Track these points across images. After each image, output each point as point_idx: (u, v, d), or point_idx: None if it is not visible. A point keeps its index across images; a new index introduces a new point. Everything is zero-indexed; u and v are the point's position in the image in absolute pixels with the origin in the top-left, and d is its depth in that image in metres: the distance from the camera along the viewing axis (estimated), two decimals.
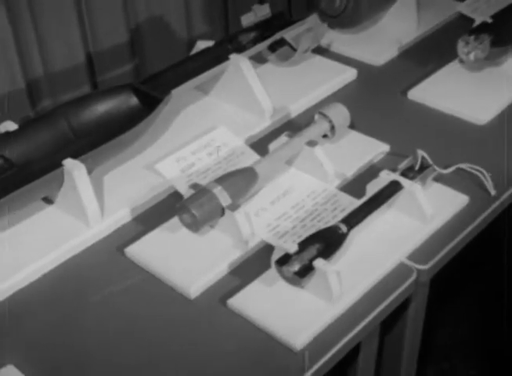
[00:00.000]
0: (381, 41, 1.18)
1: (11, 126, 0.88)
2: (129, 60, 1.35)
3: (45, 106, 1.26)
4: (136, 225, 0.86)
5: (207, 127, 0.96)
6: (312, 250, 0.74)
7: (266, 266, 0.78)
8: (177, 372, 0.71)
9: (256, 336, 0.73)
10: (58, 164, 0.82)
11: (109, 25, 1.29)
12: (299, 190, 0.88)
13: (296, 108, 1.04)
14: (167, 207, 0.87)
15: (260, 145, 0.96)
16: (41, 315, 0.76)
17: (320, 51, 1.16)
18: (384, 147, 0.95)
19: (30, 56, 1.22)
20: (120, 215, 0.86)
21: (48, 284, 0.80)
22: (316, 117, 0.92)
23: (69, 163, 0.82)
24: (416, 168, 0.84)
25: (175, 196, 0.88)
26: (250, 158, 0.91)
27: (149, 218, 0.87)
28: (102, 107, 0.94)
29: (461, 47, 1.02)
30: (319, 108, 0.94)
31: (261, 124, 1.00)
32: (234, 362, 0.72)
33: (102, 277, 0.81)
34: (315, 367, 0.71)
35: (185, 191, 0.85)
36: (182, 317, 0.76)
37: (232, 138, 0.94)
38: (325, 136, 0.93)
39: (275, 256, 0.75)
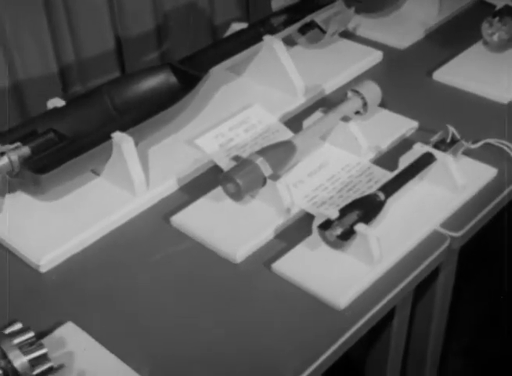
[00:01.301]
0: (405, 25, 1.22)
1: (59, 102, 0.92)
2: (157, 47, 1.39)
3: (76, 91, 1.29)
4: (180, 196, 0.90)
5: (241, 105, 1.00)
6: (353, 215, 0.78)
7: (307, 233, 0.82)
8: (224, 335, 0.74)
9: (300, 298, 0.77)
10: (105, 138, 0.86)
11: (137, 11, 1.33)
12: (334, 164, 0.92)
13: (325, 88, 1.08)
14: (208, 180, 0.91)
15: (293, 123, 1.00)
16: (93, 279, 0.80)
17: (346, 35, 1.20)
18: (414, 124, 0.99)
19: (63, 42, 1.26)
20: (164, 186, 0.90)
21: (98, 251, 0.84)
22: (349, 94, 0.96)
23: (117, 136, 0.86)
24: (448, 140, 0.88)
25: (215, 169, 0.92)
26: (285, 135, 0.95)
27: (192, 190, 0.91)
28: (143, 86, 0.98)
29: (485, 28, 1.06)
30: (347, 88, 0.99)
31: (293, 103, 1.04)
32: (279, 323, 0.76)
33: (148, 245, 0.85)
34: (357, 326, 0.75)
35: (225, 164, 0.89)
36: (228, 281, 0.80)
37: (266, 115, 0.98)
38: (357, 113, 0.97)
39: (317, 222, 0.79)
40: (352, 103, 0.95)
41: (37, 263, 0.80)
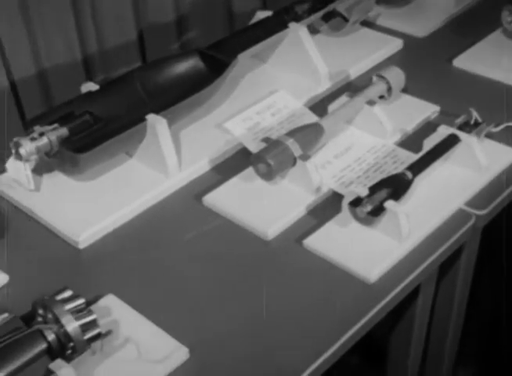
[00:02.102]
0: (424, 14, 1.25)
1: (93, 87, 0.95)
2: (177, 37, 1.41)
3: (98, 81, 1.32)
4: (211, 177, 0.93)
5: (267, 91, 1.03)
6: (382, 193, 0.81)
7: (336, 211, 0.84)
8: (256, 309, 0.77)
9: (330, 273, 0.80)
10: (139, 120, 0.89)
11: (159, 2, 1.36)
12: (359, 146, 0.95)
13: (348, 75, 1.10)
14: (238, 162, 0.94)
15: (317, 108, 1.02)
16: (129, 255, 0.83)
17: (367, 24, 1.22)
18: (436, 108, 1.02)
19: (86, 32, 1.29)
20: (195, 167, 0.93)
21: (133, 229, 0.86)
22: (374, 78, 0.98)
23: (151, 117, 0.89)
24: (472, 122, 0.90)
25: (243, 152, 0.95)
26: (310, 119, 0.98)
27: (222, 171, 0.93)
28: (172, 71, 1.01)
29: (505, 16, 1.08)
30: (368, 76, 1.01)
31: (318, 89, 1.06)
32: (310, 297, 0.78)
33: (181, 223, 0.87)
34: (387, 299, 0.77)
35: (253, 147, 0.92)
36: (260, 258, 0.83)
37: (292, 100, 1.01)
38: (381, 97, 0.99)
39: (347, 199, 0.82)
40: (377, 88, 0.97)
41: (75, 240, 0.83)
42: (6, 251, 0.83)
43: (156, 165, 0.91)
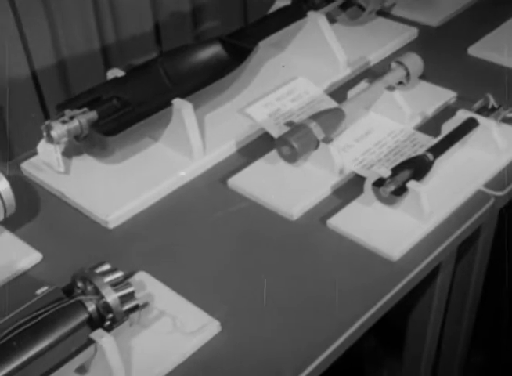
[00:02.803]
0: (438, 4, 1.27)
1: (118, 73, 0.97)
2: (193, 29, 1.44)
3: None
4: (235, 160, 0.95)
5: (287, 78, 1.05)
6: (405, 174, 0.83)
7: (358, 193, 0.87)
8: (281, 289, 0.79)
9: (354, 251, 0.82)
10: (165, 105, 0.91)
11: None
12: (379, 131, 0.97)
13: (365, 63, 1.12)
14: (259, 146, 0.96)
15: (336, 94, 1.05)
16: (157, 235, 0.85)
17: (382, 14, 1.24)
18: (452, 94, 1.04)
19: (104, 23, 1.31)
20: (220, 151, 0.95)
21: (160, 210, 0.89)
22: (393, 65, 1.01)
23: (177, 102, 0.91)
24: (489, 106, 0.93)
25: (265, 137, 0.97)
26: (329, 105, 1.00)
27: (246, 154, 0.96)
28: (195, 58, 1.03)
29: None
30: (384, 64, 1.04)
31: (336, 76, 1.08)
32: (335, 276, 0.81)
33: (207, 204, 0.90)
34: (410, 276, 0.80)
35: (275, 131, 0.94)
36: (285, 237, 0.85)
37: (311, 87, 1.04)
38: (400, 83, 1.01)
39: (370, 180, 0.84)
40: (396, 74, 0.99)
41: (105, 219, 0.85)
42: (39, 231, 0.86)
43: (182, 149, 0.93)
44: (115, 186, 0.90)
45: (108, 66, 1.35)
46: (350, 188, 0.90)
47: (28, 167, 0.93)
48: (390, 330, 1.15)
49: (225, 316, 0.74)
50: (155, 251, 0.83)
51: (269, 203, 0.88)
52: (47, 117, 1.31)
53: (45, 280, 0.78)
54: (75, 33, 1.27)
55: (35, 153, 0.93)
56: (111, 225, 0.86)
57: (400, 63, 1.00)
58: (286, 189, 0.89)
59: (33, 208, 0.88)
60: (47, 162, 0.89)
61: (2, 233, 0.83)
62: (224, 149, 0.95)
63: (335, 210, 0.86)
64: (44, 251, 0.82)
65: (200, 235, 0.86)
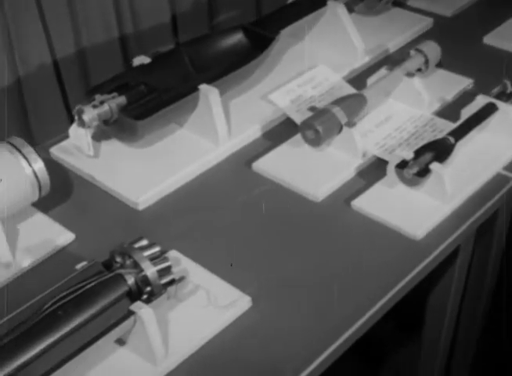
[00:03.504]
0: None
1: (145, 60, 1.00)
2: (208, 21, 1.46)
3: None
4: (259, 145, 0.97)
5: (307, 66, 1.08)
6: (427, 156, 0.85)
7: (381, 176, 0.89)
8: (307, 267, 0.81)
9: (378, 231, 0.85)
10: (192, 90, 0.94)
11: None
12: (399, 116, 0.99)
13: (383, 51, 1.15)
14: (282, 131, 0.99)
15: (355, 82, 1.07)
16: (185, 216, 0.88)
17: (397, 4, 1.27)
18: (469, 81, 1.06)
19: (123, 14, 1.33)
20: (244, 136, 0.97)
21: (187, 192, 0.91)
22: (412, 52, 1.03)
23: (204, 88, 0.93)
24: (508, 91, 0.95)
25: (287, 122, 0.99)
26: (349, 92, 1.02)
27: (269, 139, 0.98)
28: (218, 46, 1.06)
29: None
30: (401, 52, 1.06)
31: (355, 63, 1.11)
32: (360, 254, 0.83)
33: (232, 187, 0.92)
34: (434, 254, 0.82)
35: (297, 117, 0.97)
36: (310, 218, 0.87)
37: (331, 74, 1.06)
38: (418, 70, 1.04)
39: (394, 162, 0.86)
40: (415, 61, 1.02)
41: (135, 201, 0.88)
42: (70, 213, 0.88)
43: (208, 133, 0.95)
44: (143, 170, 0.92)
45: (126, 55, 1.38)
46: (372, 171, 0.92)
47: (57, 151, 0.95)
48: (408, 314, 1.17)
49: (254, 293, 0.77)
50: (184, 230, 0.86)
51: (294, 185, 0.90)
52: (67, 105, 1.34)
53: (79, 258, 0.80)
54: (95, 23, 1.30)
55: (59, 140, 0.96)
56: (141, 207, 0.88)
57: (419, 51, 1.02)
58: (310, 172, 0.91)
59: (63, 191, 0.90)
60: (77, 146, 0.91)
61: (36, 215, 0.86)
62: (248, 134, 0.98)
63: (359, 192, 0.89)
64: (76, 232, 0.85)
65: (227, 216, 0.88)
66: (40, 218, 0.86)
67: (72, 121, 1.31)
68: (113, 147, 0.95)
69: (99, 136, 0.95)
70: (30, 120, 1.28)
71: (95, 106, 0.88)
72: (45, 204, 0.87)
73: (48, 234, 0.83)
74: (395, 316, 0.96)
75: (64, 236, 0.83)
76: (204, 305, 0.73)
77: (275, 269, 0.81)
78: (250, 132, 0.98)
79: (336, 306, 0.78)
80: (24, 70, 1.26)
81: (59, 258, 0.82)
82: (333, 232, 0.86)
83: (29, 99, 1.29)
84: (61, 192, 0.90)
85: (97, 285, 0.65)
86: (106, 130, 0.94)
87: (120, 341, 0.69)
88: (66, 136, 0.94)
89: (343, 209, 0.87)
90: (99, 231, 0.86)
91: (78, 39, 1.30)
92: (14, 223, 0.83)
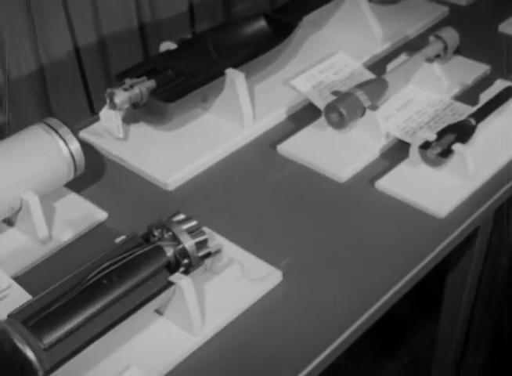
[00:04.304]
0: None
1: (171, 46, 1.02)
2: (224, 11, 1.49)
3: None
4: (283, 128, 1.00)
5: (327, 53, 1.10)
6: (450, 137, 0.88)
7: (403, 158, 0.92)
8: (333, 245, 0.84)
9: (402, 211, 0.87)
10: (218, 75, 0.96)
11: None
12: (419, 101, 1.02)
13: (402, 37, 1.17)
14: (305, 115, 1.01)
15: (375, 68, 1.09)
16: (213, 196, 0.90)
17: None
18: (487, 67, 1.09)
19: (142, 4, 1.36)
20: (268, 119, 1.00)
21: (215, 174, 0.94)
22: (431, 38, 1.05)
23: (231, 72, 0.96)
24: None
25: (308, 108, 1.02)
26: (369, 78, 1.05)
27: (293, 123, 1.01)
28: (241, 33, 1.08)
29: None
30: (418, 40, 1.08)
31: (374, 50, 1.13)
32: (384, 232, 0.86)
33: (258, 168, 0.95)
34: (457, 232, 0.85)
35: (319, 102, 0.99)
36: (335, 198, 0.90)
37: (351, 61, 1.09)
38: (437, 56, 1.06)
39: (417, 143, 0.89)
40: (434, 47, 1.04)
41: (165, 182, 0.90)
42: (102, 193, 0.90)
43: (233, 117, 0.98)
44: (171, 152, 0.95)
45: (145, 44, 1.41)
46: (394, 153, 0.95)
47: (87, 134, 0.98)
48: (426, 295, 1.20)
49: (285, 268, 0.79)
50: (214, 209, 0.88)
51: (319, 166, 0.92)
52: (87, 91, 1.36)
53: (114, 235, 0.82)
54: (115, 12, 1.32)
55: (83, 126, 0.99)
56: (170, 188, 0.91)
57: (438, 37, 1.05)
58: (334, 153, 0.94)
59: (94, 173, 0.93)
60: (107, 128, 0.94)
61: (69, 194, 0.88)
62: (272, 117, 1.00)
63: (382, 173, 0.91)
64: (108, 211, 0.87)
65: (255, 196, 0.91)
66: (73, 197, 0.88)
67: (92, 107, 1.35)
68: (141, 130, 0.97)
69: (128, 120, 0.98)
70: (52, 107, 1.31)
71: (125, 90, 0.91)
72: (76, 185, 0.90)
73: (83, 212, 0.86)
74: (414, 296, 0.98)
75: (98, 215, 0.86)
76: (238, 278, 0.76)
77: (303, 245, 0.83)
78: (275, 116, 1.00)
79: (362, 281, 0.80)
80: (47, 58, 1.29)
81: (95, 234, 0.84)
82: (357, 211, 0.88)
83: (51, 87, 1.31)
84: (91, 174, 0.92)
85: (139, 256, 0.68)
86: (135, 113, 0.96)
87: (158, 313, 0.72)
88: (89, 122, 0.97)
89: (367, 189, 0.90)
90: (131, 211, 0.88)
91: (99, 28, 1.33)
92: (49, 202, 0.85)
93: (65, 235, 0.83)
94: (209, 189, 0.92)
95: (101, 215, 0.86)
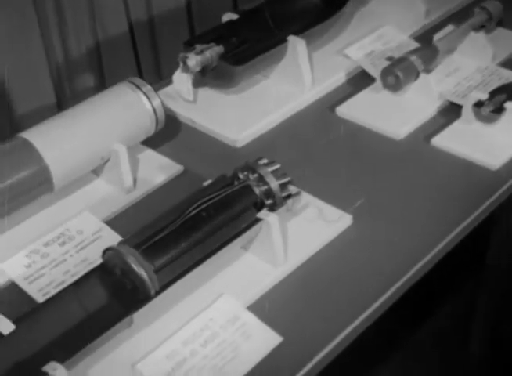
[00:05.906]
0: None
1: (233, 16, 1.09)
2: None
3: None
4: (340, 92, 1.07)
5: (374, 26, 1.17)
6: (501, 96, 0.94)
7: (455, 118, 0.98)
8: (394, 196, 0.90)
9: (458, 165, 0.93)
10: (280, 41, 1.03)
11: None
12: (466, 68, 1.08)
13: (444, 12, 1.23)
14: (358, 82, 1.08)
15: (421, 39, 1.16)
16: (279, 152, 0.96)
17: None
18: None
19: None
20: (326, 84, 1.06)
21: (279, 133, 1.00)
22: (476, 10, 1.12)
23: (292, 39, 1.03)
24: None
25: (361, 75, 1.09)
26: None
27: (348, 88, 1.07)
28: (295, 5, 1.15)
29: None
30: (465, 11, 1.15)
31: (419, 23, 1.20)
32: (441, 184, 0.92)
33: (319, 129, 1.01)
34: (510, 183, 0.91)
35: (371, 69, 1.06)
36: (393, 155, 0.96)
37: (398, 33, 1.15)
38: (482, 27, 1.13)
39: (470, 102, 0.95)
40: (480, 17, 1.11)
41: (234, 139, 0.97)
42: (176, 151, 0.97)
43: (294, 81, 1.04)
44: (237, 113, 1.02)
45: (190, 22, 1.48)
46: (446, 114, 1.01)
47: None
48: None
49: (353, 213, 0.86)
50: (281, 164, 0.94)
51: (376, 126, 0.99)
52: (139, 66, 1.44)
53: (192, 185, 0.89)
54: None
55: None
56: (239, 144, 0.97)
57: (483, 8, 1.11)
58: (390, 114, 1.01)
59: (167, 132, 0.99)
60: (179, 91, 1.00)
61: (146, 151, 0.95)
62: (330, 82, 1.07)
63: (437, 131, 0.97)
64: (184, 164, 0.94)
65: (317, 152, 0.97)
66: (150, 153, 0.95)
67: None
68: (208, 94, 1.04)
69: (196, 85, 1.04)
70: (107, 83, 1.38)
71: (197, 54, 0.97)
72: (152, 143, 0.96)
73: (160, 165, 0.92)
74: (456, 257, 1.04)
75: (175, 168, 0.92)
76: (314, 220, 0.82)
77: (368, 194, 0.89)
78: (332, 81, 1.07)
79: (422, 227, 0.86)
80: (103, 35, 1.36)
81: (173, 185, 0.91)
82: (415, 165, 0.95)
83: (106, 63, 1.39)
84: (165, 133, 0.99)
85: (231, 193, 0.74)
86: (203, 80, 1.03)
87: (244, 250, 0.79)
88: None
89: (423, 146, 0.96)
90: (205, 165, 0.95)
91: (150, 8, 1.40)
92: (131, 156, 0.92)
93: (146, 185, 0.89)
94: (274, 146, 0.98)
95: (177, 168, 0.93)
